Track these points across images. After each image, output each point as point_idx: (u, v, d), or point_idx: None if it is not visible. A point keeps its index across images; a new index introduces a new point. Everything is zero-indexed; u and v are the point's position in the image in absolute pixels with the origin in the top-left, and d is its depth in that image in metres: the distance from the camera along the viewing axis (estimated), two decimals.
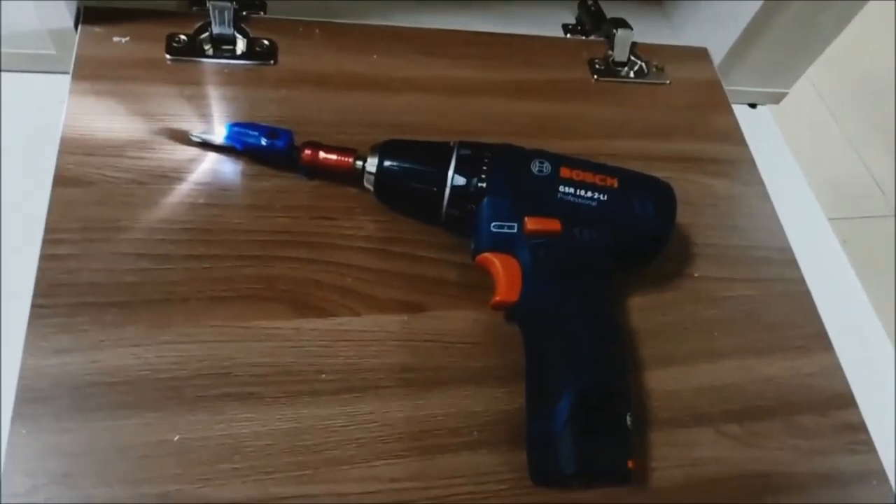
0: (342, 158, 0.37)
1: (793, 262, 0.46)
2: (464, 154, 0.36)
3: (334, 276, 0.37)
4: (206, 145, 0.39)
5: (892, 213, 1.58)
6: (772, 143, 0.57)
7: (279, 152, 0.37)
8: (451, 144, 0.37)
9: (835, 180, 1.57)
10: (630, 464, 0.31)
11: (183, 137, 0.39)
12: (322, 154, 0.37)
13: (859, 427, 0.39)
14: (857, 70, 1.68)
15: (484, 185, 0.35)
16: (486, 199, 0.35)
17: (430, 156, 0.36)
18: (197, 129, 0.38)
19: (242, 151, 0.38)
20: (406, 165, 0.36)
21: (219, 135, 0.38)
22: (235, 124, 0.38)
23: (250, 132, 0.37)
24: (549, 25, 0.55)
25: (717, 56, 0.54)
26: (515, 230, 0.35)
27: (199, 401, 0.32)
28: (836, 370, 0.41)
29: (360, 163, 0.37)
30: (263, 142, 0.37)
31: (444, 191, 0.35)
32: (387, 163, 0.36)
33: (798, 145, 0.58)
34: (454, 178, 0.35)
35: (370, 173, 0.37)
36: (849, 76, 1.68)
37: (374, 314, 0.36)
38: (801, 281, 0.45)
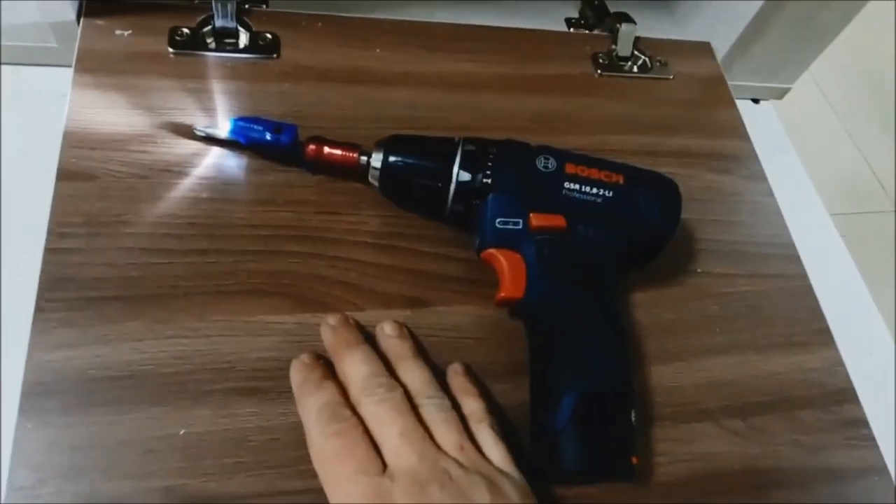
0: (347, 154, 0.37)
1: (795, 258, 0.46)
2: (469, 150, 0.36)
3: (338, 271, 0.37)
4: (210, 139, 0.38)
5: (893, 208, 1.58)
6: (775, 139, 0.57)
7: (284, 147, 0.37)
8: (456, 140, 0.36)
9: (835, 176, 1.57)
10: (634, 460, 0.31)
11: (186, 131, 0.39)
12: (327, 149, 0.37)
13: (861, 422, 0.40)
14: (859, 65, 1.67)
15: (489, 181, 0.35)
16: (491, 195, 0.35)
17: (435, 151, 0.36)
18: (201, 124, 0.38)
19: (247, 146, 0.38)
20: (411, 161, 0.36)
21: (223, 129, 0.38)
22: (240, 119, 0.38)
23: (255, 127, 0.37)
24: (552, 19, 0.55)
25: (721, 51, 0.54)
26: (520, 226, 0.35)
27: (203, 395, 0.32)
28: (838, 366, 0.42)
29: (364, 158, 0.37)
30: (268, 136, 0.37)
31: (449, 187, 0.35)
32: (391, 158, 0.36)
33: (799, 140, 0.58)
34: (459, 174, 0.35)
35: (375, 169, 0.36)
36: (850, 71, 1.67)
37: (377, 309, 0.36)
38: (804, 277, 0.45)
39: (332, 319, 0.34)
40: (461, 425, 0.30)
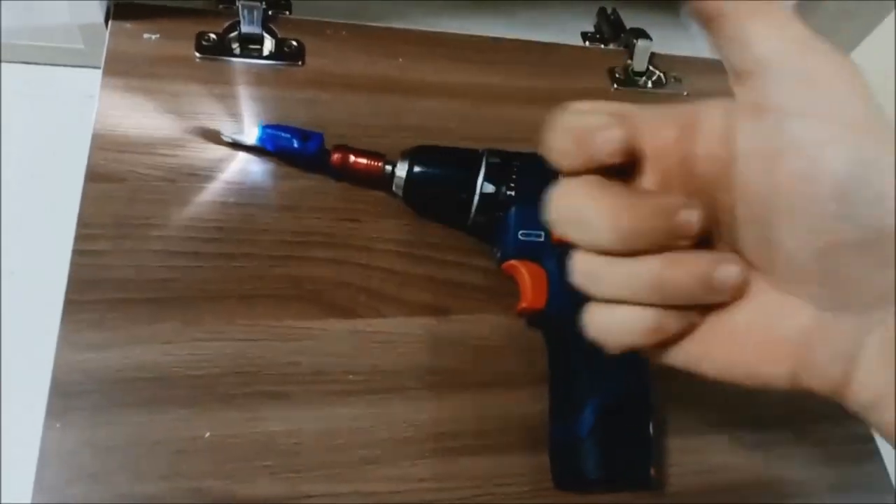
0: (372, 163, 0.38)
1: None
2: (493, 162, 0.36)
3: (361, 278, 0.37)
4: (237, 145, 0.39)
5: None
6: None
7: (310, 155, 0.38)
8: (481, 152, 0.37)
9: None
10: (652, 471, 0.32)
11: (213, 136, 0.39)
12: (352, 158, 0.38)
13: (868, 437, 0.41)
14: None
15: (512, 193, 0.36)
16: (514, 208, 0.36)
17: (459, 163, 0.37)
18: (228, 129, 0.39)
19: (273, 152, 0.38)
20: (436, 172, 0.37)
21: (251, 135, 0.38)
22: (268, 126, 0.38)
23: (282, 134, 0.38)
24: (569, 33, 0.56)
25: None
26: (542, 239, 0.35)
27: (230, 398, 0.32)
28: None
29: (389, 167, 0.38)
30: (295, 144, 0.37)
31: (472, 198, 0.36)
32: (416, 168, 0.37)
33: None
34: (483, 186, 0.36)
35: (399, 178, 0.37)
36: None
37: (400, 316, 0.37)
38: None
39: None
40: None
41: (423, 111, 0.45)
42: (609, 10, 0.56)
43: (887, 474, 0.40)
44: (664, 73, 0.53)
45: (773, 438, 0.39)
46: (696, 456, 0.37)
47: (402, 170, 0.37)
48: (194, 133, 0.39)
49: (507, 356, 0.37)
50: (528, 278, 0.35)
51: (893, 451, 0.42)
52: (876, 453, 0.40)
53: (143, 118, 0.39)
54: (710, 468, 0.37)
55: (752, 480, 0.37)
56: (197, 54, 0.42)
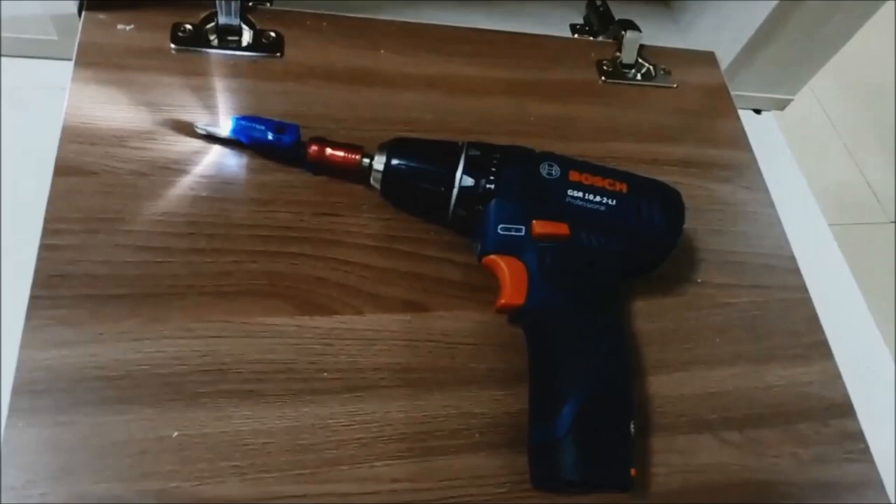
0: (349, 155, 0.37)
1: (795, 270, 0.46)
2: (473, 155, 0.35)
3: (338, 274, 0.36)
4: (211, 137, 0.38)
5: (887, 219, 1.59)
6: (776, 150, 0.57)
7: (285, 147, 0.37)
8: (460, 144, 0.36)
9: (830, 186, 1.58)
10: (632, 472, 0.31)
11: (187, 129, 0.38)
12: (329, 150, 0.37)
13: (857, 436, 0.40)
14: (856, 75, 1.68)
15: (492, 186, 0.35)
16: (493, 201, 0.35)
17: (438, 155, 0.36)
18: (202, 122, 0.38)
19: (248, 145, 0.37)
20: (414, 165, 0.36)
21: (224, 128, 0.37)
22: (242, 117, 0.37)
23: (257, 126, 0.37)
24: (557, 25, 0.55)
25: (724, 60, 0.54)
26: (523, 233, 0.34)
27: (198, 397, 0.32)
28: (836, 379, 0.42)
29: (367, 160, 0.37)
30: (270, 136, 0.36)
31: (451, 191, 0.35)
32: (394, 161, 0.36)
33: (795, 150, 0.58)
34: (462, 179, 0.35)
35: (377, 171, 0.36)
36: (847, 81, 1.68)
37: (377, 313, 0.36)
38: (803, 289, 0.45)
39: None
40: None
41: (405, 103, 0.44)
42: (598, 2, 0.55)
43: (877, 474, 0.39)
44: (653, 66, 0.52)
45: (760, 438, 0.38)
46: (681, 456, 0.36)
47: (379, 163, 0.36)
48: (167, 125, 0.38)
49: (486, 353, 0.36)
50: (508, 273, 0.34)
51: (893, 449, 0.41)
52: (865, 452, 0.39)
53: (115, 110, 0.38)
54: (695, 468, 0.36)
55: (739, 482, 0.36)
56: (172, 46, 0.41)
